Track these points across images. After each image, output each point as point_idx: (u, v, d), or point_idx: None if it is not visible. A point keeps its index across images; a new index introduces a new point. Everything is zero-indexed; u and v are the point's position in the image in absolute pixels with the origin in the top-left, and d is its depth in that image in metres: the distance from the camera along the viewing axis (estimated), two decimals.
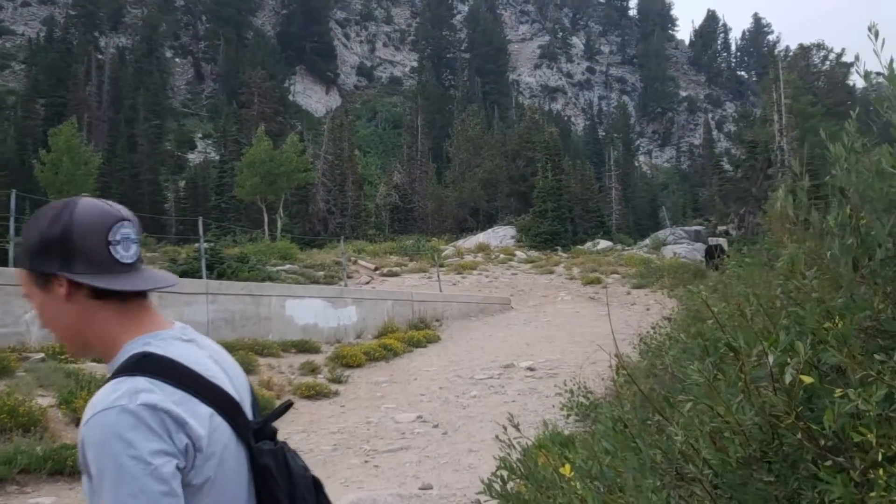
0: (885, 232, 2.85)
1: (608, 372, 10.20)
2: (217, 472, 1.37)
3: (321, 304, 17.20)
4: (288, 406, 1.72)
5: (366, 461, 8.28)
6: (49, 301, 1.41)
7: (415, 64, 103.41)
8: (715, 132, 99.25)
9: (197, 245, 19.56)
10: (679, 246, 38.34)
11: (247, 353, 12.89)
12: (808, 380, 2.40)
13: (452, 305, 22.05)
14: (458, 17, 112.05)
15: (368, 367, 14.28)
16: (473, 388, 12.06)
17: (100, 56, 71.36)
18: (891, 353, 2.62)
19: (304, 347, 15.06)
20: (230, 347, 12.81)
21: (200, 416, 1.37)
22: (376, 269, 30.87)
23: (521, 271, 32.20)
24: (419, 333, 17.68)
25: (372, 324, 18.13)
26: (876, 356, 2.35)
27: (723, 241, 34.67)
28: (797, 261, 2.99)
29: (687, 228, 44.80)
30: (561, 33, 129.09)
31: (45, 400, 8.44)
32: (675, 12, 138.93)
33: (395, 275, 30.06)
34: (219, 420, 1.41)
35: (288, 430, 9.80)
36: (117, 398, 1.28)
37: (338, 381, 12.78)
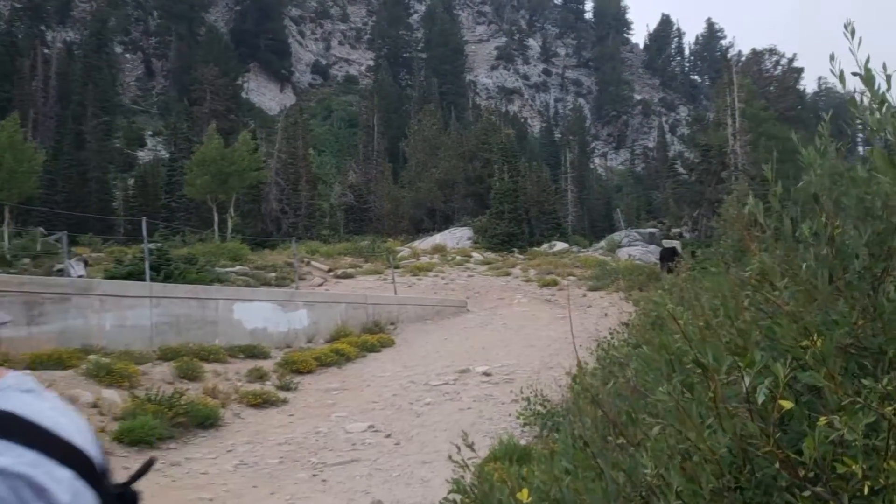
0: (861, 242, 2.64)
1: (565, 378, 9.98)
2: None
3: (271, 308, 16.76)
4: (149, 465, 1.38)
5: (314, 475, 7.94)
6: None
7: (371, 63, 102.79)
8: (669, 136, 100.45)
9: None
10: (634, 248, 38.56)
11: (191, 359, 12.46)
12: (787, 405, 2.20)
13: (408, 308, 21.73)
14: (415, 16, 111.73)
15: (319, 373, 13.91)
16: (428, 394, 11.76)
17: (46, 51, 69.46)
18: (877, 375, 2.44)
19: (252, 353, 14.67)
20: (175, 353, 12.48)
21: (60, 481, 1.04)
22: (330, 270, 30.37)
23: (478, 273, 32.00)
24: (373, 337, 17.33)
25: (324, 328, 17.72)
26: (864, 381, 2.06)
27: (677, 244, 34.94)
28: (771, 273, 2.74)
29: (641, 231, 45.10)
30: (518, 35, 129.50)
31: None
32: (630, 16, 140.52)
33: (350, 276, 29.62)
34: (80, 485, 1.08)
35: (233, 442, 9.41)
36: None
37: (287, 388, 12.39)
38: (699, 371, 2.70)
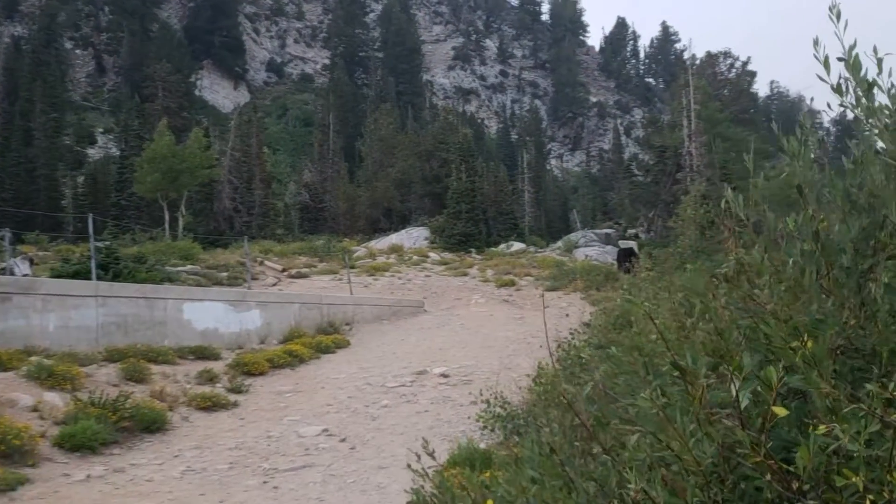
0: (848, 237, 2.45)
1: (525, 380, 9.79)
2: None
3: (222, 308, 16.32)
4: None
5: (265, 482, 7.62)
6: None
7: (327, 61, 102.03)
8: (624, 137, 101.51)
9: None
10: (591, 248, 38.72)
11: (139, 360, 12.07)
12: (781, 412, 1.94)
13: (364, 308, 21.41)
14: (372, 15, 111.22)
15: (272, 375, 13.55)
16: (384, 396, 11.48)
17: None
18: (872, 378, 2.24)
19: (202, 354, 14.33)
20: (122, 354, 12.01)
21: None
22: (284, 270, 29.88)
23: (435, 273, 31.80)
24: (328, 338, 16.99)
25: (277, 328, 17.33)
26: (868, 386, 1.87)
27: (633, 244, 35.17)
28: (759, 268, 2.55)
29: (598, 231, 45.38)
30: (474, 36, 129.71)
31: None
32: (586, 18, 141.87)
33: (304, 276, 29.20)
34: None
35: (180, 447, 9.05)
36: None
37: (238, 390, 12.03)
38: (676, 374, 2.52)
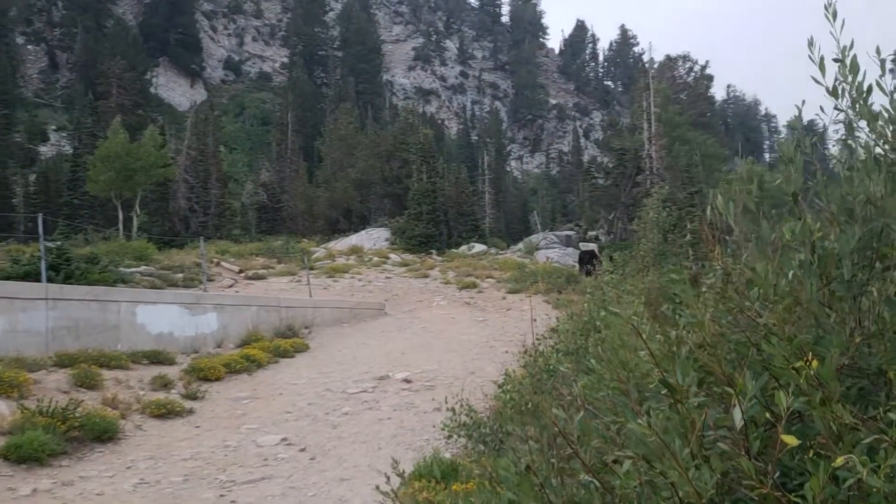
0: (849, 247, 2.27)
1: (490, 386, 9.60)
2: None
3: (177, 311, 15.88)
4: None
5: (221, 495, 7.31)
6: None
7: (285, 60, 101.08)
8: (583, 140, 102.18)
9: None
10: (552, 250, 38.77)
11: (90, 365, 11.64)
12: (791, 441, 1.81)
13: (323, 311, 21.07)
14: (331, 14, 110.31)
15: (229, 380, 13.18)
16: (345, 403, 11.21)
17: None
18: (880, 401, 2.06)
19: (157, 359, 13.94)
20: (73, 359, 11.56)
21: None
22: (241, 271, 29.37)
23: (396, 275, 31.54)
24: (286, 342, 16.65)
25: (234, 332, 16.92)
26: (891, 414, 1.75)
27: (594, 247, 35.29)
28: (763, 283, 2.38)
29: (559, 233, 45.51)
30: (435, 36, 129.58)
31: None
32: (545, 21, 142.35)
33: (262, 278, 28.72)
34: None
35: (133, 457, 8.69)
36: None
37: (193, 397, 11.65)
38: (665, 392, 2.37)
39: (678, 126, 44.76)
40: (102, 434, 9.17)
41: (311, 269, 29.28)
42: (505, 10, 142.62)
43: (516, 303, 23.80)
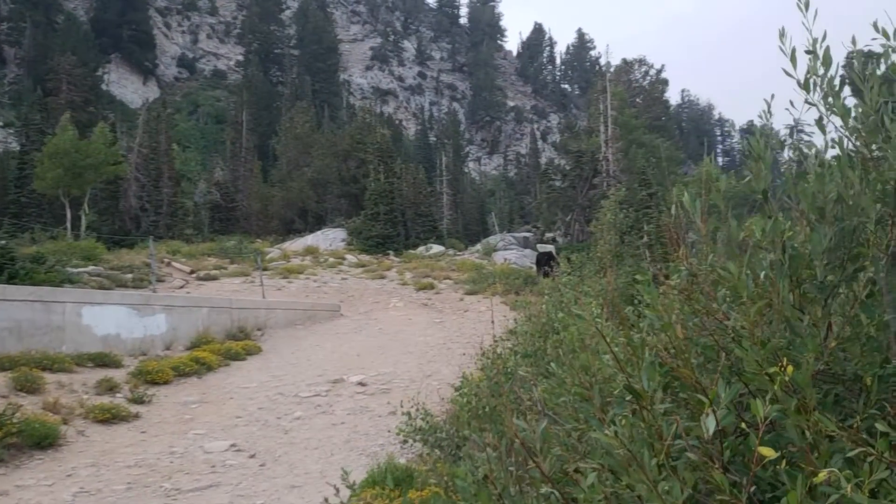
0: (822, 247, 2.16)
1: (447, 388, 9.43)
2: None
3: (125, 312, 15.43)
4: None
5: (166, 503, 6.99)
6: None
7: (240, 58, 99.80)
8: (540, 142, 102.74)
9: None
10: (509, 252, 38.80)
11: (31, 368, 11.21)
12: (769, 453, 1.70)
13: (277, 313, 20.69)
14: (287, 12, 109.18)
15: (177, 384, 12.81)
16: (297, 407, 10.93)
17: None
18: (856, 409, 1.93)
19: (102, 361, 13.57)
20: (14, 362, 11.10)
21: None
22: (193, 272, 28.77)
23: (352, 276, 31.23)
24: (238, 345, 16.29)
25: (184, 334, 16.51)
26: (878, 425, 1.65)
27: (552, 248, 35.37)
28: (738, 285, 2.26)
29: (516, 234, 45.60)
30: (393, 36, 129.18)
31: None
32: (504, 23, 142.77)
33: (214, 279, 28.19)
34: None
35: (74, 465, 8.33)
36: None
37: (140, 401, 11.29)
38: (630, 398, 2.24)
39: (634, 129, 45.21)
40: (42, 440, 8.83)
41: (265, 269, 28.84)
42: (463, 11, 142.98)
43: (474, 304, 23.70)
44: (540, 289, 15.87)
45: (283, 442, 9.12)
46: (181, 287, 25.67)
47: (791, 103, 2.52)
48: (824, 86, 2.45)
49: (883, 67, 2.43)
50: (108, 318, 15.03)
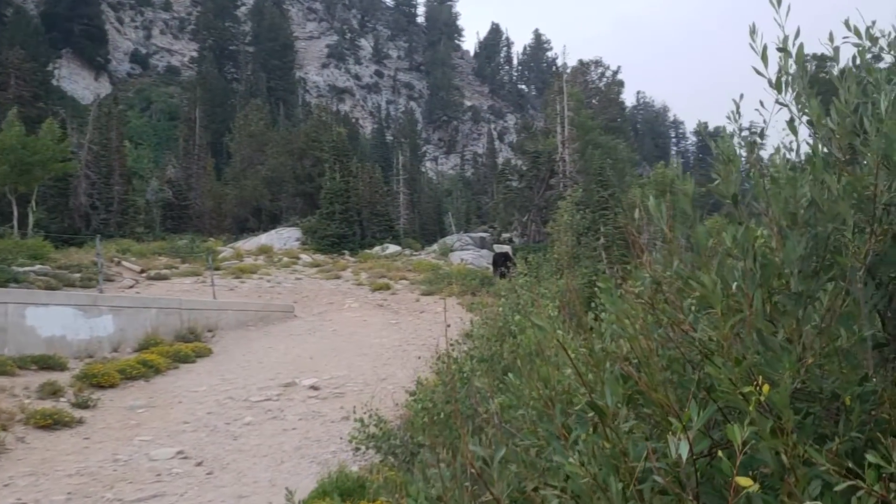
0: (795, 255, 2.03)
1: (401, 393, 9.23)
2: None
3: (71, 313, 14.93)
4: None
5: None
6: None
7: (194, 54, 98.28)
8: (497, 142, 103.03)
9: None
10: (466, 252, 38.72)
11: None
12: (746, 483, 1.55)
13: (228, 314, 20.27)
14: (243, 8, 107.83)
15: (124, 387, 12.41)
16: (248, 412, 10.63)
17: None
18: (838, 432, 1.79)
19: (46, 364, 13.11)
20: None
21: None
22: (143, 271, 28.11)
23: (307, 276, 30.83)
24: (188, 347, 15.89)
25: (132, 335, 16.06)
26: (868, 456, 1.52)
27: (509, 248, 35.37)
28: (711, 297, 2.12)
29: (473, 234, 45.56)
30: (349, 34, 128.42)
31: None
32: (461, 23, 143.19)
33: (165, 278, 27.57)
34: None
35: (12, 474, 7.95)
36: None
37: (84, 405, 10.89)
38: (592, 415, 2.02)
39: (590, 130, 45.51)
40: None
41: (217, 269, 28.30)
42: (420, 10, 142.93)
43: (430, 305, 23.52)
44: (497, 290, 15.77)
45: (231, 449, 8.84)
46: (131, 287, 25.05)
47: (761, 103, 2.40)
48: (795, 85, 2.34)
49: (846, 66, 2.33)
50: (53, 319, 14.54)
